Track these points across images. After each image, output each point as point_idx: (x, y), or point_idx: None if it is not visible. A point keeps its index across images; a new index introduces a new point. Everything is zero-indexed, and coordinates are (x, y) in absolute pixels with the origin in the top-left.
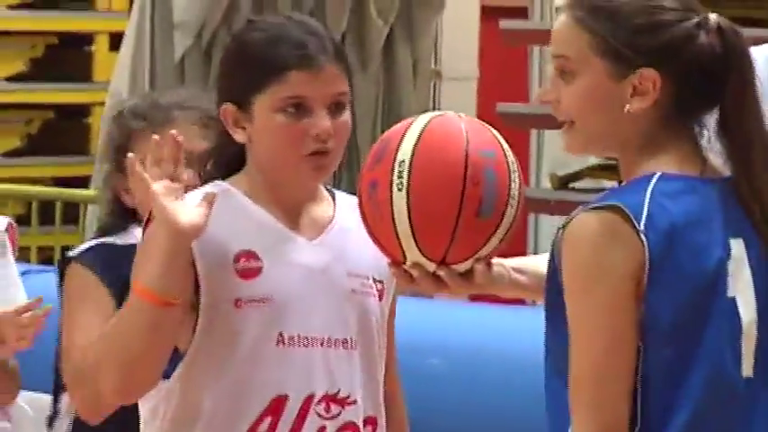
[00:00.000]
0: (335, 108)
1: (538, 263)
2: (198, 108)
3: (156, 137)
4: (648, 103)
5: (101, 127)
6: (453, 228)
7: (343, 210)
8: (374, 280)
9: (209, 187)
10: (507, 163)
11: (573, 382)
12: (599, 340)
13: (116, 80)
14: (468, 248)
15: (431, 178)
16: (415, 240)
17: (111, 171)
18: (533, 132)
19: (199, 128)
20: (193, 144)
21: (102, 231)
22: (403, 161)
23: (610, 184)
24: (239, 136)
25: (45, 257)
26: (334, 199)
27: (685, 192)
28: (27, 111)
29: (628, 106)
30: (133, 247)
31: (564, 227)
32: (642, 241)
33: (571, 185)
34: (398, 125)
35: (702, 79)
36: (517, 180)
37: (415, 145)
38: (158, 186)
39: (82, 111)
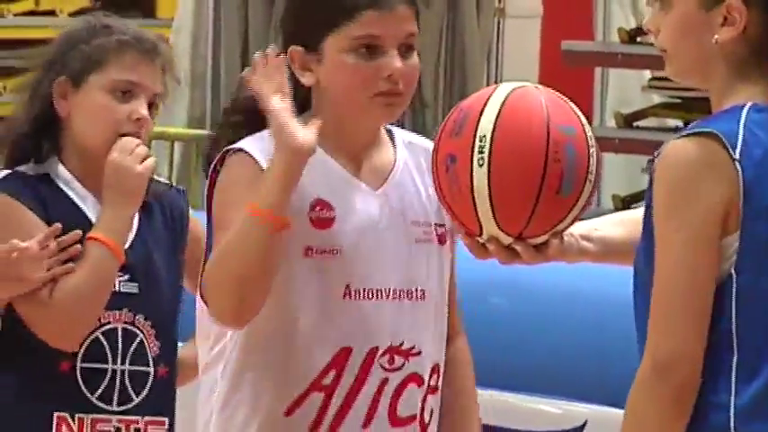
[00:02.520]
0: (405, 50)
1: (602, 229)
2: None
3: (258, 54)
4: (735, 34)
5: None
6: (534, 204)
7: (402, 151)
8: (436, 225)
9: None
10: (586, 138)
11: (653, 301)
12: (682, 263)
13: (179, 18)
14: (546, 224)
15: (513, 155)
16: (494, 216)
17: (46, 78)
18: (598, 70)
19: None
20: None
21: (15, 159)
22: (484, 136)
23: (674, 122)
24: (306, 79)
25: None
26: (392, 139)
27: None
28: None
29: (716, 36)
30: (46, 177)
31: (657, 155)
32: (737, 169)
33: (636, 124)
34: (476, 95)
35: None
36: (595, 155)
37: (497, 120)
38: (278, 102)
39: None
